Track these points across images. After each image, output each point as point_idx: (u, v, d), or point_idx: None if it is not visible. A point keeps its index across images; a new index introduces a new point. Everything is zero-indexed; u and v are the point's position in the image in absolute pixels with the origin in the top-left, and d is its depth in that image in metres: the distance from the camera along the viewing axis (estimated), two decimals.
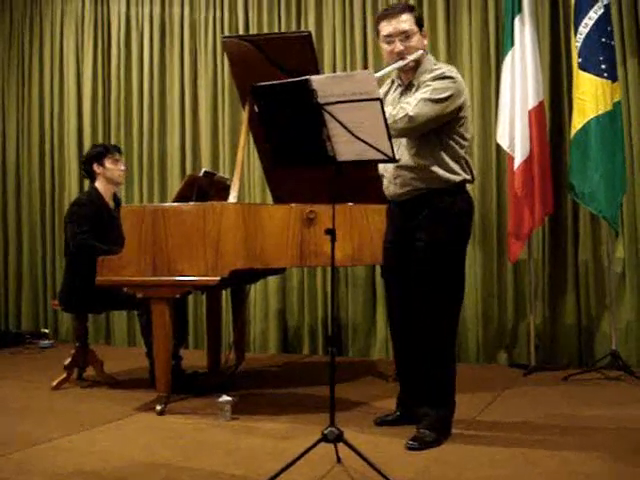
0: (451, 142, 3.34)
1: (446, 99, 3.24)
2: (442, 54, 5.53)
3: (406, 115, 3.20)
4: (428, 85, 3.28)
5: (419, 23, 3.41)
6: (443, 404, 3.37)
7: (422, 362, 3.39)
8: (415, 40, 3.36)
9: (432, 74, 3.32)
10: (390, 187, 3.49)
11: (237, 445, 3.35)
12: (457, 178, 3.35)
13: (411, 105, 3.24)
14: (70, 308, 4.81)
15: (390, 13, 3.40)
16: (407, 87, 3.44)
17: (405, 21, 3.35)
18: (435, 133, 3.31)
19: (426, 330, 3.35)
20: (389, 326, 3.73)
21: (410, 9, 3.43)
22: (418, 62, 3.39)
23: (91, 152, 4.91)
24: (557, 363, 5.10)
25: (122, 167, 4.90)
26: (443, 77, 3.29)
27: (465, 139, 3.38)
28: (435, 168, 3.32)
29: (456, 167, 3.35)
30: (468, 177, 3.40)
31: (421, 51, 3.37)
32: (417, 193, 3.38)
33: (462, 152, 3.37)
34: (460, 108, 3.32)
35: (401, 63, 3.35)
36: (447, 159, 3.33)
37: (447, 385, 3.40)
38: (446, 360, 3.39)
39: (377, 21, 3.47)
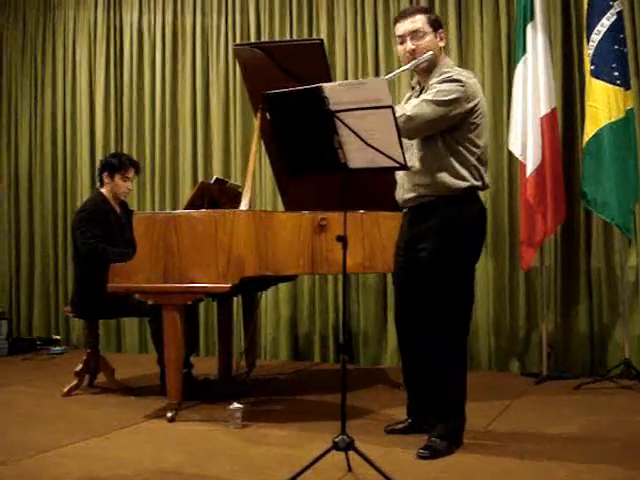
0: (460, 148, 3.27)
1: (450, 102, 3.19)
2: (454, 61, 5.51)
3: (404, 115, 3.14)
4: (434, 87, 3.25)
5: (434, 24, 3.38)
6: (454, 414, 3.34)
7: (432, 373, 3.37)
8: (427, 40, 3.33)
9: (440, 77, 3.29)
10: (399, 192, 3.48)
11: (247, 452, 3.34)
12: (464, 184, 3.28)
13: (411, 106, 3.21)
14: (83, 314, 4.82)
15: (403, 15, 3.41)
16: (422, 90, 3.41)
17: (416, 21, 3.34)
18: (442, 138, 3.27)
19: (435, 341, 3.33)
20: (397, 335, 3.71)
21: (424, 11, 3.44)
22: (432, 64, 3.36)
23: (108, 161, 4.88)
24: (569, 372, 5.06)
25: (129, 186, 4.89)
26: (450, 80, 3.24)
27: (477, 146, 3.30)
28: (441, 174, 3.27)
29: (465, 173, 3.27)
30: (477, 184, 3.32)
31: (431, 52, 3.32)
32: (423, 200, 3.34)
33: (472, 159, 3.29)
34: (469, 113, 3.25)
35: (412, 63, 3.32)
36: (455, 164, 3.27)
37: (458, 395, 3.36)
38: (456, 371, 3.35)
39: (393, 24, 3.47)
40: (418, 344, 3.46)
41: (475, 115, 3.28)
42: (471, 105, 3.25)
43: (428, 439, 3.27)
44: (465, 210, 3.31)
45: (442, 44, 3.41)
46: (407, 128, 3.15)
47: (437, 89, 3.22)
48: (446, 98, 3.19)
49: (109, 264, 4.01)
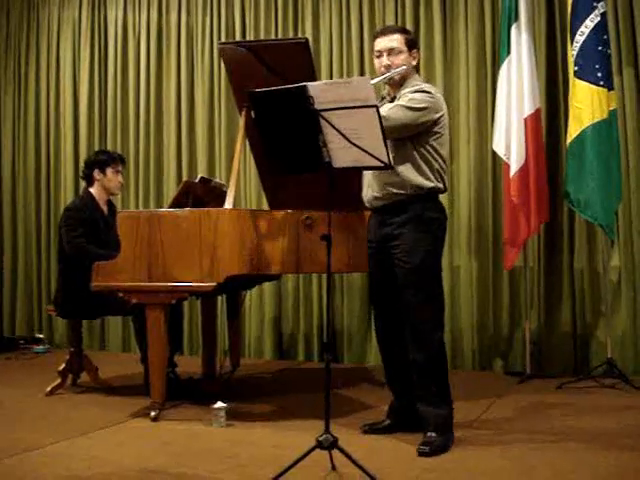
0: (425, 153, 3.46)
1: (420, 109, 3.39)
2: (439, 61, 5.56)
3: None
4: (406, 96, 3.46)
5: (410, 44, 3.59)
6: (442, 402, 3.41)
7: (414, 365, 3.44)
8: (402, 58, 3.54)
9: (412, 88, 3.50)
10: (368, 192, 3.59)
11: (231, 452, 3.34)
12: (429, 184, 3.45)
13: (385, 109, 3.37)
14: (65, 313, 4.79)
15: (383, 32, 3.63)
16: (391, 101, 3.56)
17: (395, 40, 3.55)
18: (411, 141, 3.44)
19: (415, 334, 3.43)
20: (376, 334, 3.78)
21: (402, 31, 3.67)
22: (404, 79, 3.56)
23: (96, 158, 4.88)
24: (552, 371, 5.09)
25: (120, 179, 4.89)
26: (421, 91, 3.47)
27: (439, 154, 3.50)
28: (410, 173, 3.43)
29: (430, 174, 3.46)
30: (440, 186, 3.51)
31: (404, 67, 3.52)
32: (393, 199, 3.47)
33: (436, 163, 3.48)
34: (435, 123, 3.46)
35: (386, 76, 3.50)
36: (422, 165, 3.45)
37: (442, 383, 3.45)
38: (437, 359, 3.45)
39: (373, 38, 3.67)
40: (398, 338, 3.55)
41: (439, 125, 3.50)
42: (437, 116, 3.47)
43: (424, 434, 3.34)
44: (432, 208, 3.51)
45: (414, 63, 3.64)
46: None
47: (409, 97, 3.44)
48: (417, 106, 3.40)
49: (93, 264, 4.00)
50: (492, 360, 5.39)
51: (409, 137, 3.43)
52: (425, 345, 3.42)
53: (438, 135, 3.49)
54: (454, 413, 3.47)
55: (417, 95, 3.42)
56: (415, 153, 3.43)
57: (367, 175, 3.59)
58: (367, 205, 3.64)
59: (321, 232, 3.15)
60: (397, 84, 3.56)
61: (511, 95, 4.90)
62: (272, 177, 4.49)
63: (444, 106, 3.54)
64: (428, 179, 3.44)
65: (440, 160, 3.49)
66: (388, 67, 3.50)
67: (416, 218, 3.44)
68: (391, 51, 3.52)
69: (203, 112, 6.40)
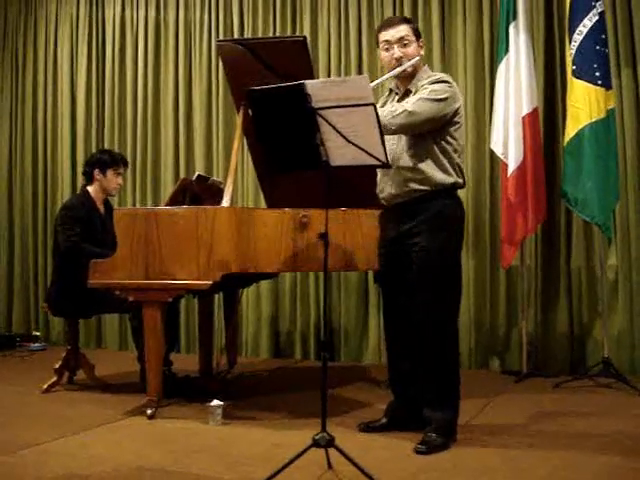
0: (446, 146, 3.40)
1: (444, 100, 3.33)
2: (437, 60, 5.55)
3: (405, 110, 3.26)
4: (426, 88, 3.37)
5: (416, 34, 3.52)
6: (449, 406, 3.40)
7: (426, 366, 3.41)
8: (412, 48, 3.47)
9: (430, 79, 3.43)
10: (386, 189, 3.52)
11: (227, 450, 3.33)
12: (450, 180, 3.40)
13: (410, 103, 3.31)
14: (60, 312, 4.78)
15: (389, 23, 3.55)
16: (404, 94, 3.51)
17: (402, 30, 3.47)
18: (432, 135, 3.37)
19: (430, 334, 3.38)
20: (384, 332, 3.74)
21: (407, 21, 3.59)
22: (415, 70, 3.49)
23: (98, 157, 4.85)
24: (549, 370, 5.09)
25: (120, 181, 4.88)
26: (441, 81, 3.40)
27: (459, 144, 3.45)
28: (431, 169, 3.37)
29: (450, 169, 3.41)
30: (460, 181, 3.46)
31: (418, 57, 3.46)
32: (414, 195, 3.41)
33: (456, 156, 3.43)
34: (455, 113, 3.40)
35: (399, 69, 3.43)
36: (443, 160, 3.39)
37: (452, 387, 3.44)
38: (451, 362, 3.44)
39: (377, 31, 3.58)
40: (409, 340, 3.51)
41: (459, 115, 3.44)
42: (457, 105, 3.41)
43: (424, 434, 3.32)
44: (452, 205, 3.45)
45: (422, 52, 3.56)
46: (407, 122, 3.28)
47: (430, 89, 3.36)
48: (440, 97, 3.34)
49: (88, 263, 3.99)
50: (489, 359, 5.39)
51: (429, 132, 3.36)
52: (434, 346, 3.38)
53: (458, 125, 3.43)
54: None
55: (437, 86, 3.36)
56: (435, 147, 3.38)
57: (383, 172, 3.51)
58: (384, 203, 3.57)
59: (318, 230, 3.15)
60: (409, 76, 3.48)
61: (509, 94, 4.91)
62: (269, 175, 4.48)
63: (460, 95, 3.48)
64: (449, 174, 3.40)
65: (459, 151, 3.44)
66: (400, 59, 3.43)
67: (437, 215, 3.38)
68: (401, 41, 3.44)
69: (201, 109, 6.39)
